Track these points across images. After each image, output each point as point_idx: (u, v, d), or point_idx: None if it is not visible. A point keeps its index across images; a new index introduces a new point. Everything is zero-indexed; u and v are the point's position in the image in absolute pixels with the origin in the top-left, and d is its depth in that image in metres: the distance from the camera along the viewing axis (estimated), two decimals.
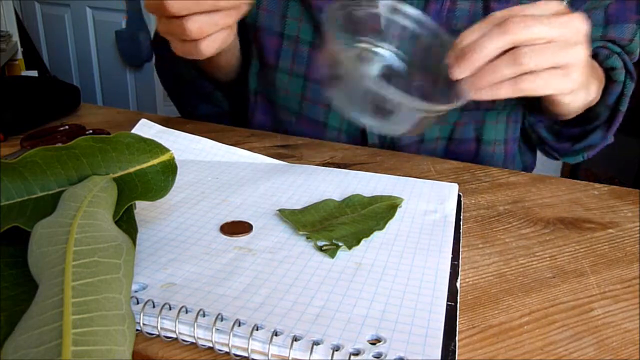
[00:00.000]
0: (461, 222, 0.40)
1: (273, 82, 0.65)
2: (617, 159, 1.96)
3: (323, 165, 0.51)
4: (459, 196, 0.44)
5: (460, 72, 0.43)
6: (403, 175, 0.48)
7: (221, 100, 0.71)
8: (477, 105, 0.61)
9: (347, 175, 0.47)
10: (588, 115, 0.59)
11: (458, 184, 0.45)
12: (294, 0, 0.60)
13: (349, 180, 0.46)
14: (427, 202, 0.42)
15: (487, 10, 0.56)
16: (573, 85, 0.44)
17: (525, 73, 0.42)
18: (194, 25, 0.45)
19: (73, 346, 0.21)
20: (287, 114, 0.66)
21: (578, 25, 0.42)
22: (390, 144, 0.63)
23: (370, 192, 0.43)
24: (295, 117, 0.66)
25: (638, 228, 0.41)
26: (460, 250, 0.36)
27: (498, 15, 0.42)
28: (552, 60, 0.41)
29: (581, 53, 0.42)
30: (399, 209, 0.40)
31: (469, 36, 0.43)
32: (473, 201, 0.45)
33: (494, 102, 0.61)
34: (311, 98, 0.63)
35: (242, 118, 0.73)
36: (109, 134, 0.57)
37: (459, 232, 0.38)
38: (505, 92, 0.43)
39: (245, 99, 0.72)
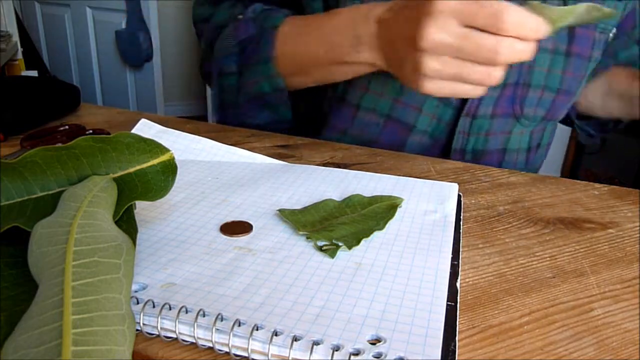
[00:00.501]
0: (461, 222, 0.40)
1: (366, 84, 0.65)
2: (617, 159, 1.96)
3: (323, 165, 0.51)
4: (459, 196, 0.44)
5: None
6: (403, 175, 0.48)
7: (285, 109, 0.69)
8: (556, 116, 0.67)
9: (347, 175, 0.47)
10: None
11: (458, 184, 0.45)
12: None
13: (349, 180, 0.46)
14: (427, 202, 0.42)
15: (571, 34, 0.61)
16: None
17: None
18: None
19: (73, 346, 0.21)
20: (374, 117, 0.66)
21: None
22: (472, 150, 0.65)
23: (370, 192, 0.43)
24: (383, 119, 0.66)
25: (638, 228, 0.41)
26: (460, 250, 0.36)
27: None
28: None
29: None
30: (399, 209, 0.40)
31: None
32: (473, 201, 0.45)
33: (565, 112, 0.68)
34: (404, 100, 0.64)
35: (312, 124, 0.71)
36: (109, 134, 0.57)
37: (459, 232, 0.38)
38: None
39: (322, 103, 0.70)
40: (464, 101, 0.63)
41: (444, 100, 0.63)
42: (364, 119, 0.67)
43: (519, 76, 0.63)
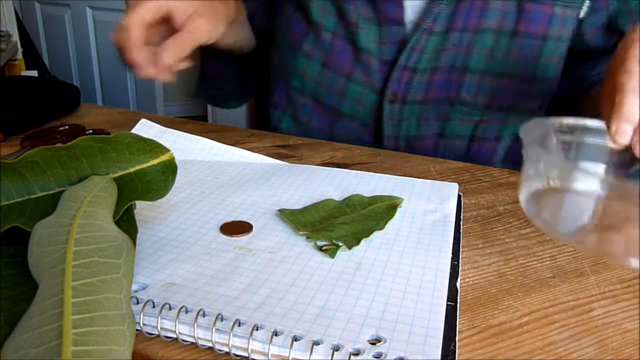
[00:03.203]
0: (461, 222, 0.40)
1: (293, 63, 0.65)
2: None
3: (323, 165, 0.51)
4: (459, 196, 0.44)
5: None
6: (403, 175, 0.48)
7: (224, 85, 0.72)
8: (505, 105, 0.60)
9: (347, 175, 0.47)
10: None
11: (458, 184, 0.45)
12: None
13: (349, 180, 0.46)
14: (427, 202, 0.42)
15: (520, 10, 0.55)
16: None
17: None
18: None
19: (73, 346, 0.21)
20: (302, 97, 0.67)
21: None
22: (405, 136, 0.63)
23: (370, 192, 0.43)
24: (311, 101, 0.66)
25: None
26: (460, 250, 0.36)
27: None
28: None
29: None
30: (399, 209, 0.40)
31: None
32: (473, 201, 0.45)
33: (519, 102, 0.61)
34: (325, 83, 0.64)
35: (258, 96, 0.73)
36: (109, 134, 0.57)
37: (459, 232, 0.38)
38: None
39: (264, 77, 0.72)
40: (384, 87, 0.61)
41: (368, 86, 0.62)
42: (296, 99, 0.67)
43: (454, 59, 0.58)
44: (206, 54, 0.68)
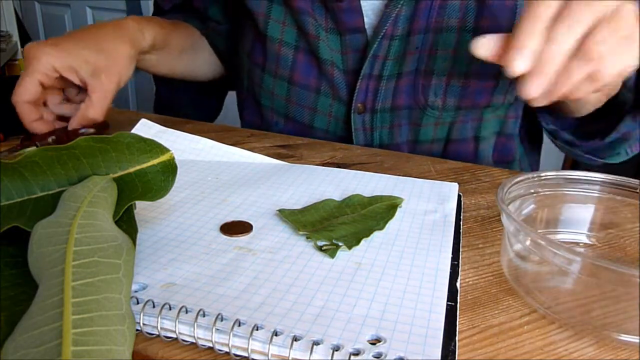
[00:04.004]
0: (461, 222, 0.40)
1: (260, 83, 0.66)
2: None
3: (323, 165, 0.51)
4: (459, 196, 0.44)
5: (535, 90, 0.37)
6: (403, 175, 0.48)
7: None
8: (476, 104, 0.58)
9: (347, 175, 0.47)
10: (612, 104, 0.52)
11: (458, 184, 0.45)
12: (277, 4, 0.60)
13: (349, 180, 0.46)
14: (427, 202, 0.42)
15: (481, 5, 0.53)
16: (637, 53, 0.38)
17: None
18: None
19: (73, 346, 0.21)
20: (274, 115, 0.67)
21: None
22: (379, 146, 0.62)
23: (370, 192, 0.43)
24: (283, 118, 0.66)
25: (638, 228, 0.41)
26: (460, 250, 0.36)
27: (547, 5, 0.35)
28: (619, 35, 0.35)
29: (633, 11, 0.36)
30: (399, 209, 0.40)
31: (525, 39, 0.36)
32: (473, 201, 0.45)
33: (490, 99, 0.58)
34: (296, 101, 0.63)
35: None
36: (108, 125, 0.57)
37: (459, 232, 0.38)
38: (585, 90, 0.38)
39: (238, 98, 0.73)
40: (350, 97, 0.60)
41: (336, 98, 0.61)
42: (267, 116, 0.67)
43: (418, 63, 0.57)
44: (159, 80, 0.70)
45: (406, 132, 0.61)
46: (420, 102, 0.59)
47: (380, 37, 0.55)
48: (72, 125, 0.54)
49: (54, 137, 0.55)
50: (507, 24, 0.53)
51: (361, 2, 0.56)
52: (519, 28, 0.36)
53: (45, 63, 0.51)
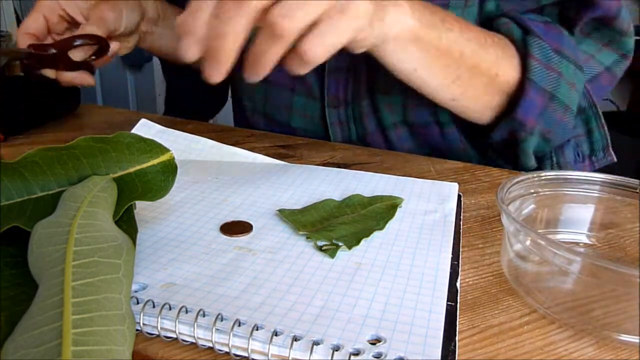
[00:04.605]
0: (461, 222, 0.40)
1: (240, 84, 0.66)
2: (617, 159, 1.95)
3: (323, 165, 0.51)
4: (459, 196, 0.44)
5: (216, 75, 0.35)
6: (403, 175, 0.48)
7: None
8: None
9: (347, 175, 0.47)
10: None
11: (458, 184, 0.45)
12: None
13: (349, 180, 0.46)
14: (427, 202, 0.42)
15: None
16: (361, 21, 0.36)
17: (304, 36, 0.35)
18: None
19: (73, 346, 0.21)
20: (256, 116, 0.68)
21: None
22: (356, 139, 0.63)
23: (370, 192, 0.43)
24: (264, 119, 0.67)
25: (638, 228, 0.41)
26: (460, 250, 0.36)
27: None
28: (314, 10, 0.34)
29: None
30: (399, 209, 0.40)
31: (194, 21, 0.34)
32: (473, 201, 0.45)
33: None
34: (273, 101, 0.64)
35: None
36: (108, 46, 0.54)
37: (459, 232, 0.38)
38: (298, 66, 0.36)
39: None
40: (322, 93, 0.60)
41: (310, 96, 0.61)
42: (252, 118, 0.68)
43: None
44: (169, 70, 0.69)
45: (373, 121, 0.62)
46: (377, 88, 0.59)
47: None
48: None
49: (53, 50, 0.53)
50: (441, 3, 0.52)
51: None
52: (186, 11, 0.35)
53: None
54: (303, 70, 0.38)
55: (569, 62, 0.50)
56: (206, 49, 0.35)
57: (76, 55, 0.53)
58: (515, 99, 0.50)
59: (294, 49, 0.36)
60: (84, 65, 0.54)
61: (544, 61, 0.49)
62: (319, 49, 0.36)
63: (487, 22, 0.54)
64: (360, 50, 0.39)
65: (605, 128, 0.62)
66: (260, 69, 0.37)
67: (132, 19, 0.56)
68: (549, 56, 0.49)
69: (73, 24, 0.55)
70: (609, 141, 0.63)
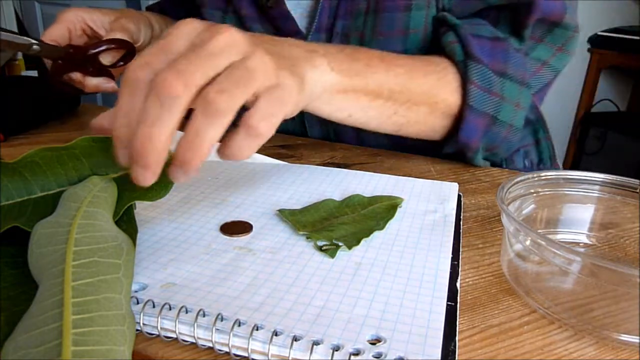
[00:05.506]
0: (461, 222, 0.40)
1: None
2: (617, 159, 1.96)
3: (323, 165, 0.51)
4: (459, 196, 0.44)
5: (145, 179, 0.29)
6: (403, 175, 0.48)
7: None
8: None
9: (347, 175, 0.47)
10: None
11: (458, 184, 0.45)
12: (230, 13, 0.62)
13: (349, 180, 0.46)
14: (427, 202, 0.42)
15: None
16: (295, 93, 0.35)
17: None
18: None
19: (73, 346, 0.21)
20: (236, 118, 0.68)
21: (233, 36, 0.32)
22: (334, 138, 0.63)
23: (370, 192, 0.43)
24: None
25: (638, 228, 0.41)
26: (460, 250, 0.36)
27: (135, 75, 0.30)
28: (238, 84, 0.31)
29: (260, 57, 0.32)
30: (399, 209, 0.40)
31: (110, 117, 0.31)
32: (473, 201, 0.45)
33: None
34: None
35: None
36: (134, 49, 0.55)
37: (459, 232, 0.38)
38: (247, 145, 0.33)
39: None
40: None
41: None
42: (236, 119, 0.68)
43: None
44: None
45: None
46: None
47: (312, 33, 0.58)
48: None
49: (71, 49, 0.52)
50: (403, 4, 0.54)
51: (288, 6, 0.58)
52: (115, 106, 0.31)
53: (75, 11, 0.56)
54: (254, 149, 0.34)
55: (513, 82, 0.51)
56: (132, 153, 0.29)
57: (105, 59, 0.54)
58: (458, 122, 0.51)
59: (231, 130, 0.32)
60: (106, 72, 0.55)
61: (485, 86, 0.50)
62: (267, 123, 0.33)
63: (438, 23, 0.55)
64: (294, 114, 0.38)
65: (552, 140, 0.65)
66: (197, 154, 0.32)
67: (147, 34, 0.60)
68: (490, 81, 0.50)
69: (92, 37, 0.57)
70: (555, 152, 0.66)
